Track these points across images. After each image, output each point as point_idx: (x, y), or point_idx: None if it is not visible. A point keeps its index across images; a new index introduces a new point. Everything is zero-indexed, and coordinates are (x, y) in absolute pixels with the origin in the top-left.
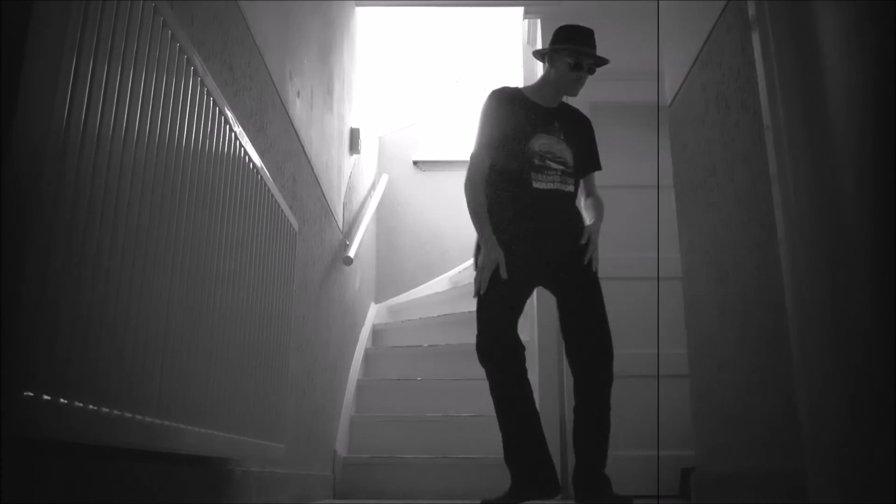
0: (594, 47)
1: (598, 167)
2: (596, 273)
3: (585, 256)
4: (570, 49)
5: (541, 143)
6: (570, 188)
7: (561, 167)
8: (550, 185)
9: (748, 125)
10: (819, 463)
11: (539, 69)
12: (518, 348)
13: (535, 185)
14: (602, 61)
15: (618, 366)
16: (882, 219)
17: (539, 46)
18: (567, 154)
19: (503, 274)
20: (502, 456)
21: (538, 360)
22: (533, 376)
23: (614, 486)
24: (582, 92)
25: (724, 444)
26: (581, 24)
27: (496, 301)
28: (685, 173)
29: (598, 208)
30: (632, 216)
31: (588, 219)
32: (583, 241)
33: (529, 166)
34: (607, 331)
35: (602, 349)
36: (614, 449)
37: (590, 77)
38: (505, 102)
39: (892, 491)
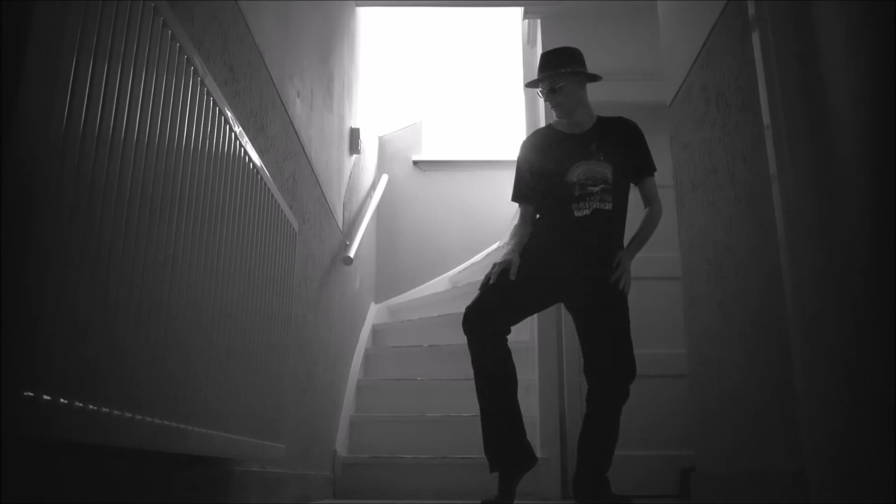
0: (550, 68)
1: (648, 171)
2: (623, 295)
3: (612, 276)
4: (536, 82)
5: (578, 172)
6: (609, 205)
7: (601, 186)
8: (588, 210)
9: (748, 125)
10: (819, 463)
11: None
12: (499, 332)
13: (576, 214)
14: (559, 76)
15: None
16: (882, 218)
17: (539, 46)
18: (607, 171)
19: (511, 275)
20: None
21: (538, 360)
22: (532, 375)
23: (614, 485)
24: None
25: (724, 443)
26: (581, 24)
27: (500, 287)
28: (685, 173)
29: (644, 225)
30: (632, 216)
31: (632, 237)
32: (614, 265)
33: (570, 199)
34: (628, 350)
35: (622, 369)
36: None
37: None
38: (532, 149)
39: (892, 491)
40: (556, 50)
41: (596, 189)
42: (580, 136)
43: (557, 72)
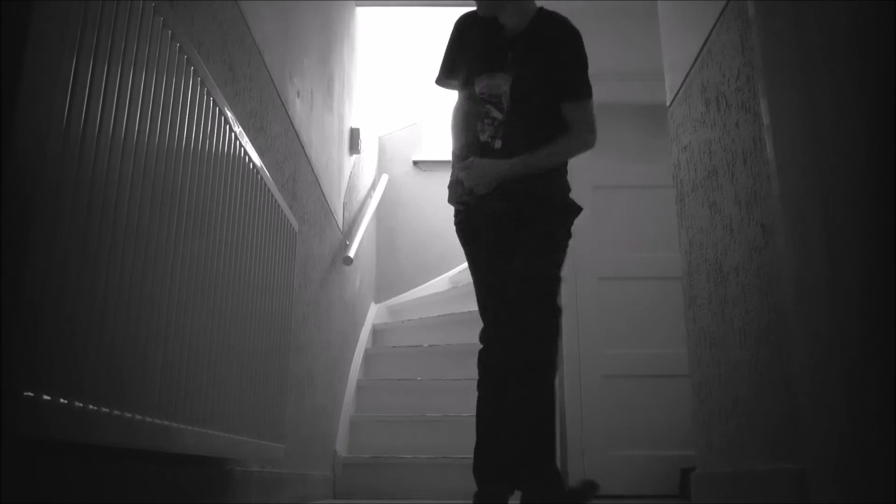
0: None
1: (572, 94)
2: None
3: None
4: None
5: (481, 85)
6: (499, 143)
7: (493, 117)
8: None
9: (748, 125)
10: (819, 463)
11: None
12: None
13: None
14: None
15: (617, 365)
16: (882, 218)
17: None
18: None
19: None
20: None
21: None
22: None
23: (615, 485)
24: None
25: (724, 444)
26: (581, 24)
27: None
28: (685, 173)
29: (550, 146)
30: (632, 216)
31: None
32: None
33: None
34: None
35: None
36: (614, 449)
37: (590, 77)
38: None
39: (893, 491)
40: None
41: (496, 114)
42: (504, 39)
43: None
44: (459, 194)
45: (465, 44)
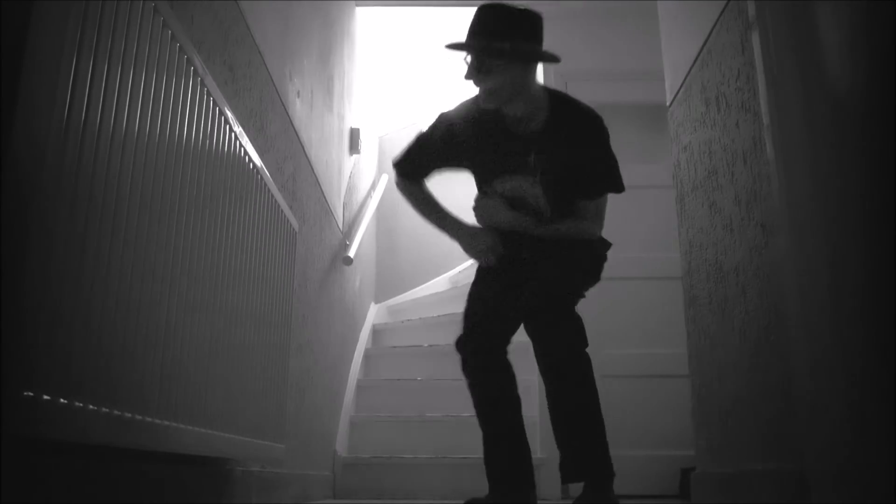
0: (484, 34)
1: (612, 188)
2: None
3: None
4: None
5: (505, 187)
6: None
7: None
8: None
9: (748, 125)
10: (819, 463)
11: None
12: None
13: None
14: (492, 51)
15: (617, 365)
16: (882, 219)
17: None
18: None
19: None
20: None
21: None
22: (532, 376)
23: (615, 485)
24: (582, 92)
25: (724, 444)
26: (581, 24)
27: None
28: (685, 173)
29: (569, 225)
30: (632, 216)
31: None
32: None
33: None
34: None
35: None
36: (615, 449)
37: (590, 77)
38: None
39: (893, 491)
40: (498, 6)
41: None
42: (519, 135)
43: (491, 45)
44: (496, 246)
45: (458, 139)
